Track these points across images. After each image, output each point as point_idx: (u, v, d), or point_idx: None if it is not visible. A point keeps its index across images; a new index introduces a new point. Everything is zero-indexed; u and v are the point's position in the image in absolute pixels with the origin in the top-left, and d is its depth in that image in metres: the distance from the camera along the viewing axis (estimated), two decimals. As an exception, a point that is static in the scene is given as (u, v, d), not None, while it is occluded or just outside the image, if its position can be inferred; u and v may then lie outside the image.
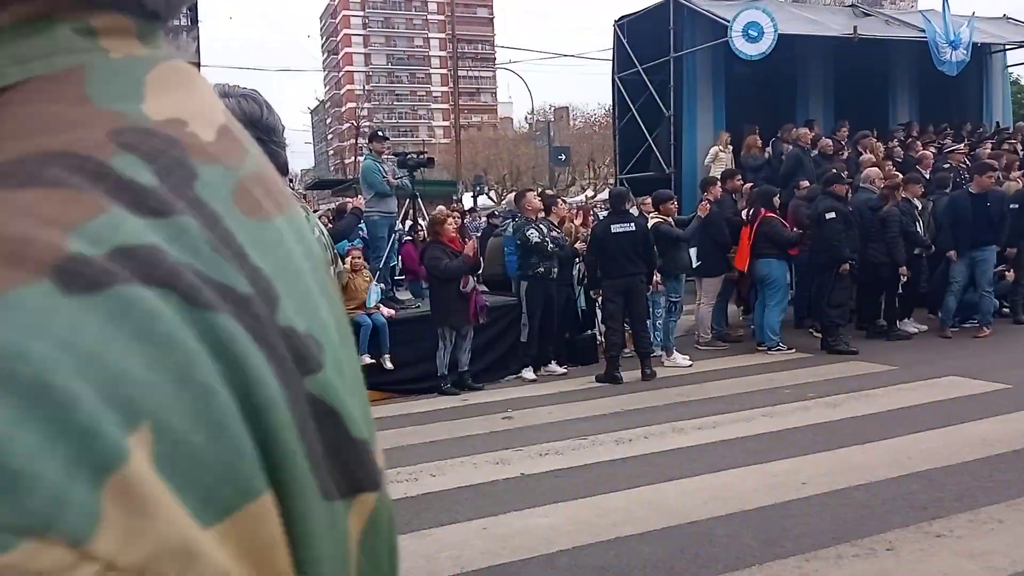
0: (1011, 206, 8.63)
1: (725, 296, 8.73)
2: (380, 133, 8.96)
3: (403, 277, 9.52)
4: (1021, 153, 12.61)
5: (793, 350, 7.96)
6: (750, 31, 12.21)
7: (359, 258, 7.27)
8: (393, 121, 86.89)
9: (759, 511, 3.89)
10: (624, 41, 14.53)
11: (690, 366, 7.56)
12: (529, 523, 3.90)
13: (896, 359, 7.33)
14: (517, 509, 4.06)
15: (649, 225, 7.49)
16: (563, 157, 23.07)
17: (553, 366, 7.63)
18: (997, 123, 16.81)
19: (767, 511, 3.90)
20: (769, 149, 12.23)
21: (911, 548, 3.39)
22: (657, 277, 7.53)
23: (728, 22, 12.06)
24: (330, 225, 7.11)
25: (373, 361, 6.78)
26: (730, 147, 12.48)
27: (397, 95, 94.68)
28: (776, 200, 8.25)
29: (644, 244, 7.18)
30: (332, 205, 14.12)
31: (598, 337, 8.06)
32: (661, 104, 13.65)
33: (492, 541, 3.71)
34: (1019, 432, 4.90)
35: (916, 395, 6.00)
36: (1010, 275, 8.71)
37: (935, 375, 6.59)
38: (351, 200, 8.38)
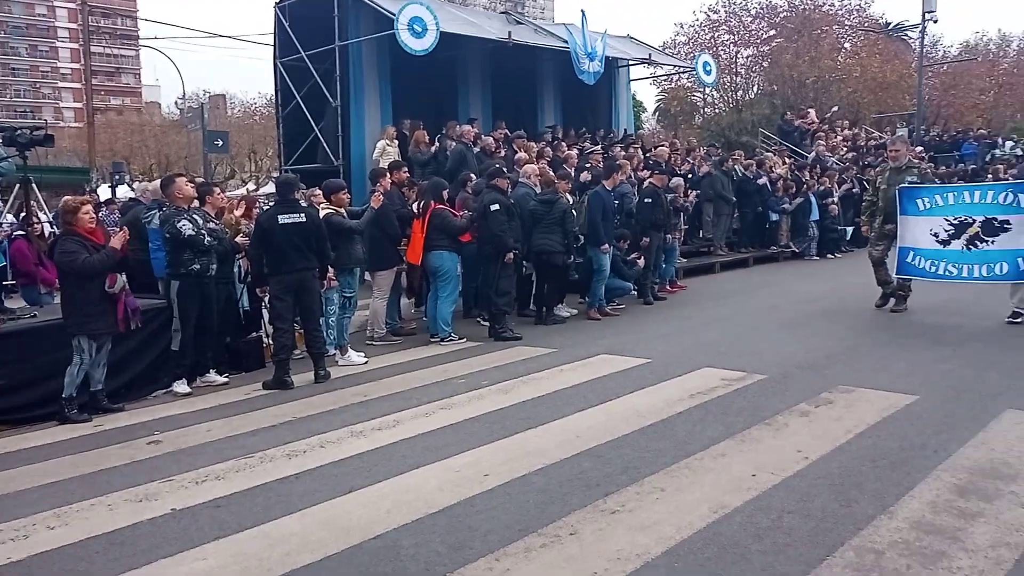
0: (645, 200, 9.74)
1: (397, 289, 8.59)
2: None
3: (13, 282, 7.76)
4: (645, 156, 14.36)
5: (464, 340, 8.08)
6: (415, 26, 12.23)
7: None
8: (7, 99, 73.73)
9: (445, 512, 3.71)
10: (287, 25, 13.72)
11: (366, 363, 7.26)
12: (183, 570, 3.25)
13: (555, 342, 7.79)
14: (168, 555, 3.38)
15: (321, 216, 7.01)
16: (220, 143, 21.21)
17: (212, 375, 6.78)
18: (624, 129, 19.10)
19: (453, 511, 3.73)
20: (436, 144, 12.41)
21: (591, 529, 3.44)
22: (331, 272, 7.11)
23: (393, 15, 11.96)
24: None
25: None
26: (396, 141, 12.42)
27: (14, 69, 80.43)
28: (445, 193, 8.31)
29: (316, 236, 6.69)
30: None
31: (265, 339, 7.39)
32: (327, 93, 13.14)
33: (134, 600, 3.01)
34: (664, 402, 5.40)
35: (576, 375, 6.37)
36: (641, 262, 9.81)
37: (589, 354, 7.10)
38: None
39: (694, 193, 12.08)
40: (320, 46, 13.07)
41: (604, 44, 16.09)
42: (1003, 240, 7.55)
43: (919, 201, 8.11)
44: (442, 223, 8.00)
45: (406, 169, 9.37)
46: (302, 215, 6.60)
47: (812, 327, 7.84)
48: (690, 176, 13.17)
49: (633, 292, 9.94)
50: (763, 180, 14.11)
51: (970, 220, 7.74)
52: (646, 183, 10.35)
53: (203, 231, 6.36)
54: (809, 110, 23.09)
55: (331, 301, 7.40)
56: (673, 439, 4.63)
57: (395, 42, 12.19)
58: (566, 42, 15.48)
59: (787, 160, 16.92)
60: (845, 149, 19.71)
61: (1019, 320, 7.45)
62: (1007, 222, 7.53)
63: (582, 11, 15.35)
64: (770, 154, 16.86)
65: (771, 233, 14.51)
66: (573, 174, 10.95)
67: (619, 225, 9.53)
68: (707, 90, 36.01)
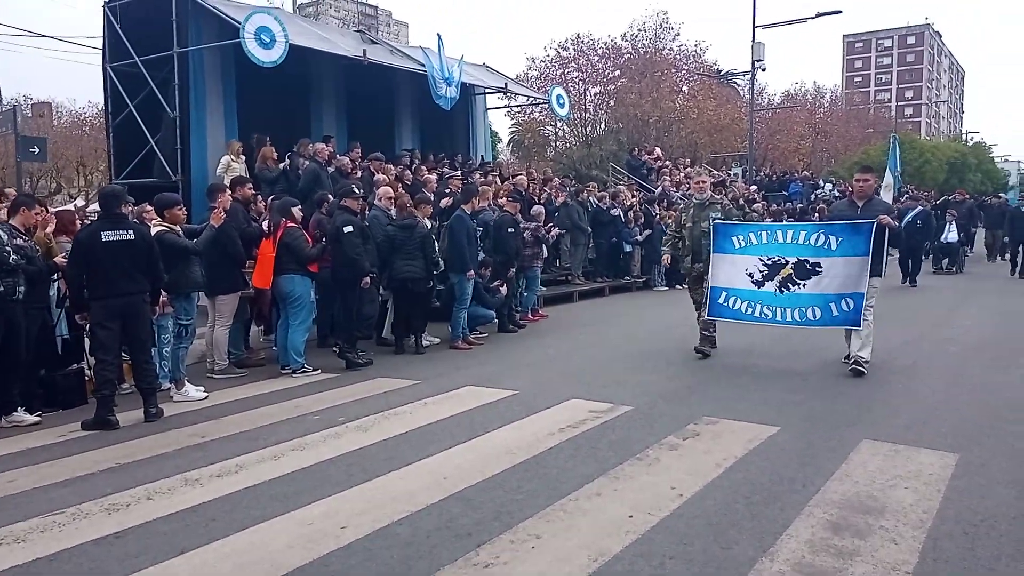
0: (508, 230, 9.60)
1: (242, 316, 7.89)
2: None
3: None
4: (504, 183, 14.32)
5: (319, 371, 7.52)
6: (263, 36, 11.52)
7: None
8: None
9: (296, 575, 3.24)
10: (118, 28, 12.55)
11: (205, 399, 6.55)
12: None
13: (417, 373, 7.41)
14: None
15: (153, 234, 6.27)
16: (36, 150, 18.95)
17: (21, 414, 5.86)
18: (482, 156, 19.10)
19: (305, 573, 3.26)
20: (286, 162, 11.73)
21: (466, 589, 3.10)
22: (164, 296, 6.37)
23: (239, 23, 11.22)
24: None
25: None
26: (243, 157, 11.62)
27: None
28: (297, 212, 7.75)
29: (147, 257, 5.95)
30: None
31: (87, 372, 6.51)
32: (165, 103, 12.10)
33: None
34: (534, 437, 5.16)
35: (441, 408, 6.02)
36: (504, 290, 9.64)
37: (454, 386, 6.78)
38: None
39: (556, 229, 12.14)
40: (157, 52, 12.05)
41: (461, 70, 16.01)
42: (814, 284, 7.06)
43: (735, 239, 7.55)
44: (293, 245, 7.44)
45: (251, 185, 8.72)
46: (130, 232, 5.85)
47: (669, 357, 7.93)
48: (547, 206, 13.24)
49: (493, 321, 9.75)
50: (616, 212, 14.45)
51: (783, 261, 7.23)
52: (500, 211, 10.24)
53: (7, 247, 5.49)
54: (656, 147, 24.16)
55: (164, 329, 6.65)
56: (545, 478, 4.38)
57: (242, 52, 11.44)
58: (423, 65, 15.27)
59: (636, 193, 17.52)
60: (687, 185, 20.72)
61: (863, 370, 6.80)
62: (818, 265, 7.04)
63: (438, 35, 15.21)
64: (622, 187, 17.37)
65: (625, 263, 14.86)
66: (433, 199, 10.67)
67: (481, 252, 9.33)
68: (559, 124, 37.14)
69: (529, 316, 10.83)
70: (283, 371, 7.50)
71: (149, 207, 7.08)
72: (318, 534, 3.66)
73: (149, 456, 4.99)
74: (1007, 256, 18.04)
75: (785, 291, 7.21)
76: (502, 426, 5.46)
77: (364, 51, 13.98)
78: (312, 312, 7.91)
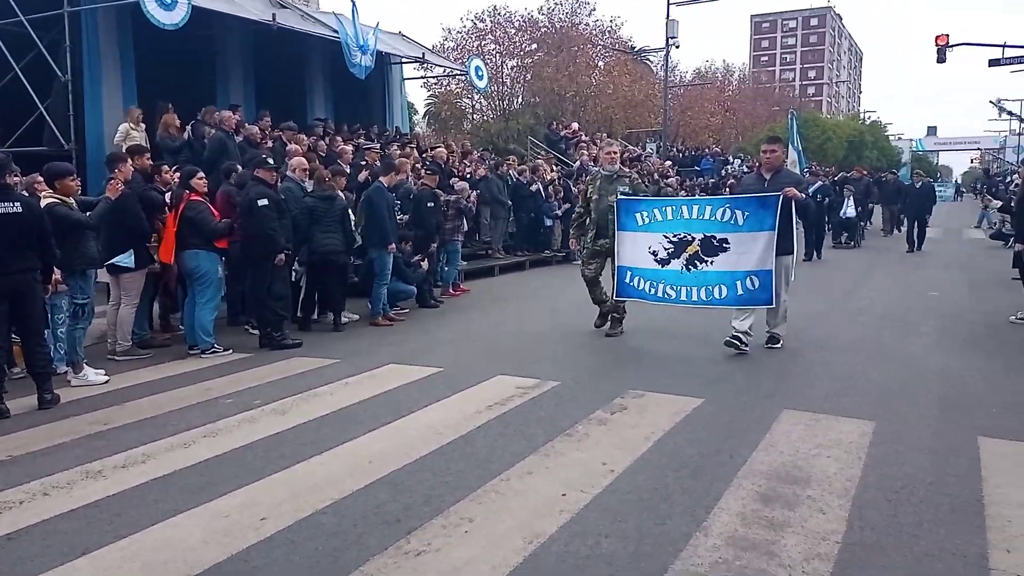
0: (428, 204, 9.36)
1: (149, 294, 7.42)
2: None
3: None
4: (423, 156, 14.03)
5: (231, 351, 7.16)
6: (163, -5, 10.83)
7: None
8: None
9: (212, 573, 3.02)
10: (-2, -18, 11.53)
11: (106, 382, 6.12)
12: None
13: (336, 351, 7.15)
14: None
15: (43, 206, 5.77)
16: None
17: None
18: (397, 128, 18.65)
19: (223, 570, 3.05)
20: (189, 130, 11.10)
21: (397, 580, 2.96)
22: (57, 274, 5.88)
23: (136, -19, 10.48)
24: None
25: None
26: (143, 124, 10.92)
27: None
28: (200, 182, 7.28)
29: (37, 231, 5.45)
30: None
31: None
32: (56, 67, 11.21)
33: None
34: (461, 415, 5.03)
35: (363, 388, 5.81)
36: (425, 264, 9.43)
37: (376, 364, 6.57)
38: None
39: (475, 194, 11.93)
40: (45, 11, 11.14)
41: (376, 38, 15.54)
42: (722, 261, 6.76)
43: (638, 215, 7.22)
44: (197, 219, 7.00)
45: (149, 155, 8.18)
46: (17, 204, 5.34)
47: (593, 331, 7.92)
48: (467, 179, 13.04)
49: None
50: (536, 186, 14.38)
51: (689, 238, 6.90)
52: (419, 184, 10.00)
53: None
54: (573, 122, 24.18)
55: (59, 309, 6.17)
56: (475, 458, 4.26)
57: (140, 13, 10.70)
58: (336, 32, 14.73)
59: (555, 167, 17.49)
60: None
61: (732, 351, 6.65)
62: (726, 241, 6.74)
63: (352, 1, 14.67)
64: (541, 161, 17.29)
65: (545, 237, 14.84)
66: (349, 171, 10.32)
67: (402, 226, 9.07)
68: (476, 97, 36.75)
69: (450, 291, 10.66)
70: (191, 352, 7.11)
71: (39, 177, 6.51)
72: (236, 527, 3.44)
73: (45, 447, 4.60)
74: (903, 229, 18.81)
75: (692, 269, 6.91)
76: (427, 405, 5.30)
77: (273, 15, 13.34)
78: (220, 289, 7.50)
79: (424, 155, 14.32)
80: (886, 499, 3.64)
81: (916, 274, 12.96)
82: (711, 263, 6.82)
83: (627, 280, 7.36)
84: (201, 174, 7.35)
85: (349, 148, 12.25)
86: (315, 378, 6.18)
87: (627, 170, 8.35)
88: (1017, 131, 58.82)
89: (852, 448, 4.34)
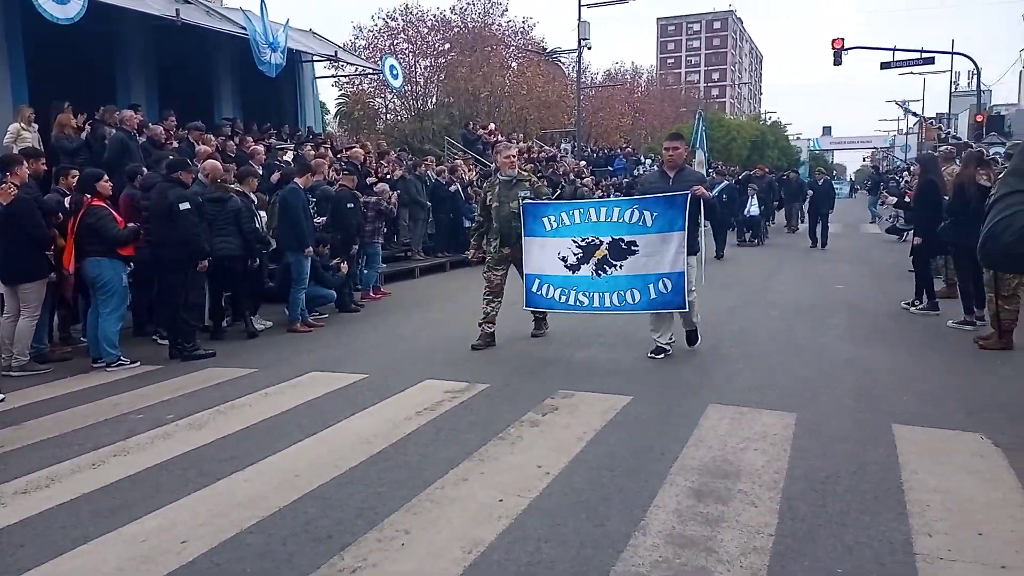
0: (347, 206, 9.14)
1: (48, 304, 6.95)
2: None
3: None
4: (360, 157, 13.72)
5: (138, 363, 6.79)
6: (57, -12, 10.23)
7: None
8: None
9: (133, 604, 2.82)
10: None
11: (2, 400, 5.69)
12: None
13: (253, 360, 6.89)
14: None
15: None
16: None
17: None
18: (310, 128, 18.21)
19: (144, 600, 2.85)
20: (88, 131, 10.51)
21: (335, 600, 2.83)
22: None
23: (25, -29, 9.87)
24: None
25: None
26: (35, 125, 10.26)
27: None
28: (104, 185, 6.89)
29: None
30: None
31: None
32: (-67, 61, 10.45)
33: None
34: (390, 423, 4.91)
35: (285, 398, 5.60)
36: (345, 267, 9.20)
37: (296, 373, 6.35)
38: None
39: (395, 195, 11.74)
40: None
41: (287, 35, 15.16)
42: (631, 264, 6.52)
43: (545, 220, 6.87)
44: (98, 225, 6.60)
45: (44, 160, 7.67)
46: None
47: (516, 331, 7.88)
48: (386, 179, 12.83)
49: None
50: (455, 187, 14.28)
51: (597, 241, 6.61)
52: (337, 185, 9.76)
53: None
54: (490, 122, 24.19)
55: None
56: (408, 467, 4.15)
57: (31, 7, 10.09)
58: (244, 29, 14.27)
59: (472, 168, 17.44)
60: (523, 161, 20.95)
61: (660, 356, 6.53)
62: (634, 243, 6.49)
63: (261, -2, 14.25)
64: (459, 161, 17.21)
65: (465, 238, 14.72)
66: (261, 171, 9.96)
67: (320, 228, 8.83)
68: (389, 96, 36.28)
69: (371, 294, 10.45)
70: (95, 365, 6.71)
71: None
72: (155, 552, 3.22)
73: (-68, 475, 4.23)
74: (804, 225, 19.48)
75: (602, 274, 6.61)
76: (354, 413, 5.15)
77: (177, 11, 12.83)
78: (125, 298, 7.11)
79: (339, 155, 14.02)
80: (813, 490, 3.74)
81: (821, 268, 13.53)
82: (620, 267, 6.55)
83: (535, 289, 6.99)
84: (106, 177, 6.94)
85: (261, 148, 11.86)
86: (232, 389, 5.92)
87: (527, 174, 7.87)
88: (905, 131, 62.45)
89: (777, 440, 4.45)
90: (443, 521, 3.47)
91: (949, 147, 12.80)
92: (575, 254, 6.73)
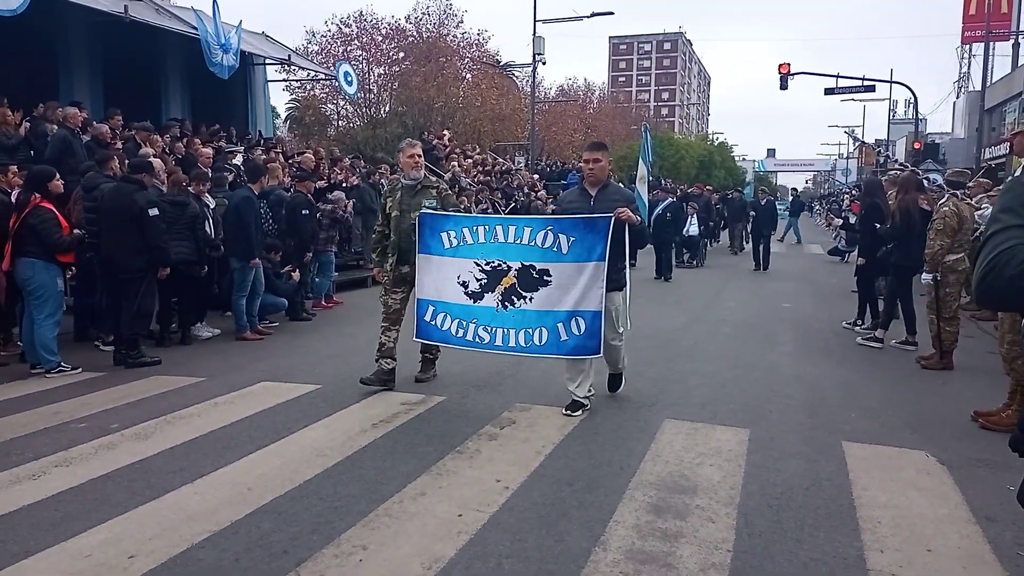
0: (303, 212, 9.00)
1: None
2: None
3: None
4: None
5: (80, 369, 6.55)
6: (-2, -21, 9.88)
7: None
8: None
9: (78, 623, 2.70)
10: None
11: (-70, 408, 5.42)
12: None
13: (201, 369, 6.70)
14: None
15: None
16: None
17: None
18: (260, 131, 17.92)
19: (90, 619, 2.73)
20: (27, 127, 10.14)
21: (293, 619, 2.75)
22: None
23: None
24: None
25: None
26: (-26, 120, 9.85)
27: None
28: (56, 185, 6.65)
29: None
30: None
31: None
32: None
33: None
34: (345, 435, 4.82)
35: (236, 408, 5.45)
36: (297, 275, 9.05)
37: (248, 382, 6.20)
38: None
39: (351, 203, 11.62)
40: None
41: (239, 37, 14.91)
42: (542, 297, 5.35)
43: (444, 235, 5.66)
44: (40, 228, 6.34)
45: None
46: None
47: (473, 343, 7.85)
48: (342, 186, 12.70)
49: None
50: (409, 195, 14.18)
51: (505, 267, 5.45)
52: (292, 191, 9.62)
53: None
54: (445, 132, 24.15)
55: None
56: (364, 481, 4.08)
57: (-30, -3, 9.72)
58: (195, 28, 13.99)
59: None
60: (476, 172, 20.97)
61: (578, 413, 5.31)
62: (547, 272, 5.33)
63: (214, -1, 13.98)
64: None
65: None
66: (210, 174, 9.75)
67: (273, 235, 8.66)
68: (342, 103, 35.95)
69: (323, 303, 10.29)
70: (33, 371, 6.44)
71: None
72: (100, 568, 3.10)
73: None
74: (748, 247, 19.30)
75: (508, 306, 5.44)
76: (308, 425, 5.05)
77: (125, 7, 12.52)
78: (62, 303, 6.83)
79: (290, 160, 13.81)
80: (768, 505, 3.80)
81: (768, 287, 13.85)
82: (530, 299, 5.39)
83: (429, 317, 5.77)
84: (57, 177, 6.71)
85: (209, 151, 11.58)
86: (179, 398, 5.75)
87: (434, 178, 6.50)
88: (846, 155, 64.57)
89: (732, 456, 4.51)
90: (402, 536, 3.42)
91: (896, 171, 13.25)
92: (478, 280, 5.55)
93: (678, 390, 6.13)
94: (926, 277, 7.00)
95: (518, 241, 5.47)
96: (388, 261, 6.04)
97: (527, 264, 5.42)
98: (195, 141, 12.61)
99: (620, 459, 4.45)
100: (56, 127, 9.86)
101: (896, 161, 27.49)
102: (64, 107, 10.45)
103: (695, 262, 17.86)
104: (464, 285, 5.59)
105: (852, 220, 12.88)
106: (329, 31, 36.01)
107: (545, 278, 5.38)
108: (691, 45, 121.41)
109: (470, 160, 21.65)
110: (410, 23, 38.05)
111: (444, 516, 3.63)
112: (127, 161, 7.76)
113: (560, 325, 5.33)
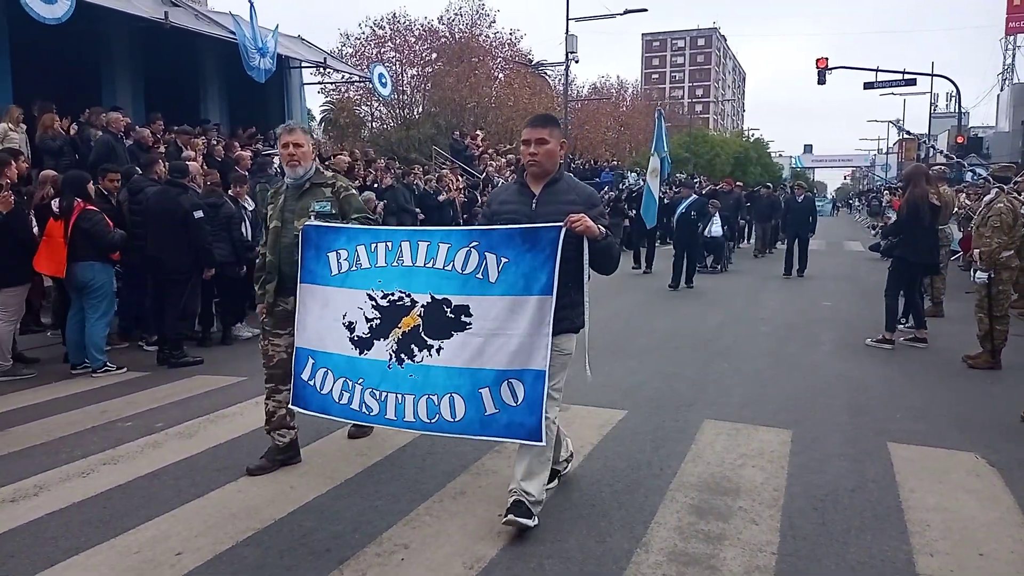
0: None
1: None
2: None
3: None
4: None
5: (124, 369, 6.68)
6: (46, -12, 10.12)
7: None
8: None
9: (129, 619, 2.75)
10: None
11: (-17, 407, 5.58)
12: None
13: (242, 368, 6.77)
14: None
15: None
16: None
17: None
18: (298, 135, 18.09)
19: (140, 615, 2.78)
20: (74, 131, 10.40)
21: (338, 617, 2.77)
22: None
23: (13, -29, 9.75)
24: None
25: None
26: (23, 125, 10.13)
27: None
28: (91, 188, 6.82)
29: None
30: None
31: None
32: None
33: None
34: (384, 434, 4.82)
35: (276, 408, 5.51)
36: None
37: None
38: None
39: (381, 204, 11.69)
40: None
41: (276, 41, 15.08)
42: (456, 347, 3.49)
43: (333, 256, 3.83)
44: (93, 230, 6.50)
45: (24, 159, 7.61)
46: None
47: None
48: (374, 188, 12.79)
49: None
50: (443, 196, 14.25)
51: (408, 301, 3.60)
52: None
53: None
54: (478, 132, 24.20)
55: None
56: (404, 480, 4.11)
57: (17, 6, 9.97)
58: (233, 33, 14.19)
59: (459, 177, 17.43)
60: (510, 171, 20.97)
61: (531, 522, 3.42)
62: (465, 310, 3.48)
63: (250, 2, 14.15)
64: (446, 171, 17.19)
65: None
66: (249, 177, 9.89)
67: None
68: (375, 105, 36.24)
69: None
70: (74, 371, 6.59)
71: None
72: (148, 564, 3.15)
73: (-86, 482, 4.12)
74: (779, 247, 17.51)
75: (405, 360, 3.58)
76: (347, 424, 5.08)
77: (165, 13, 12.73)
78: (114, 303, 7.01)
79: (326, 163, 13.94)
80: (813, 508, 3.73)
81: (807, 285, 13.62)
82: (438, 351, 3.52)
83: (307, 375, 3.91)
84: (91, 180, 6.87)
85: (247, 154, 11.77)
86: (222, 397, 5.84)
87: (328, 173, 4.38)
88: (886, 150, 63.34)
89: (775, 457, 4.45)
90: (443, 536, 3.43)
91: (942, 166, 12.95)
92: (368, 319, 3.70)
93: (716, 390, 6.06)
94: (981, 275, 6.83)
95: (429, 264, 3.58)
96: (265, 291, 4.25)
97: (438, 298, 3.53)
98: (234, 144, 12.81)
99: (660, 460, 4.41)
100: (100, 132, 10.08)
101: (941, 152, 26.81)
102: (107, 112, 10.69)
103: (718, 267, 15.92)
104: (350, 328, 3.74)
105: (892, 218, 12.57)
106: (363, 33, 36.37)
107: (463, 318, 3.48)
108: (725, 40, 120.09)
109: (503, 160, 21.66)
110: (443, 24, 38.25)
111: (484, 516, 3.63)
112: (166, 164, 7.90)
113: (484, 392, 3.43)
